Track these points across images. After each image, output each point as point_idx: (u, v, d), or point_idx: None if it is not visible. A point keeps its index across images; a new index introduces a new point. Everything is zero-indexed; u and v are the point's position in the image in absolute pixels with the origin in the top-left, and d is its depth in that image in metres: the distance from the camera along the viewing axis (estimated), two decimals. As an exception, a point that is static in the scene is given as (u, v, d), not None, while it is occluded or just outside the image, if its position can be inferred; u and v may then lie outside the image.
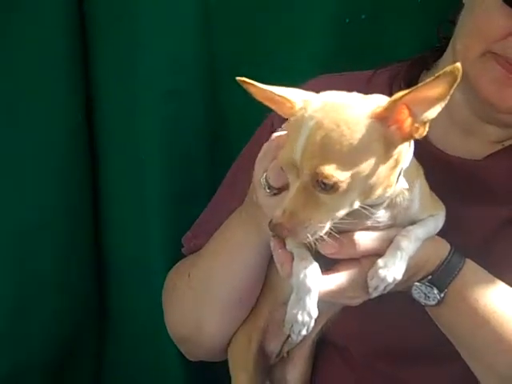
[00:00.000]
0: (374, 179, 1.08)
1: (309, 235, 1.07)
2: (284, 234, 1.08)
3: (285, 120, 1.43)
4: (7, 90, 1.62)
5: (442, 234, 1.25)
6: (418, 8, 1.70)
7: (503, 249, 1.35)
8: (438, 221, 1.23)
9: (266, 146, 1.21)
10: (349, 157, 1.05)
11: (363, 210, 1.11)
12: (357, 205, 1.10)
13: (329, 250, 1.15)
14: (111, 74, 1.70)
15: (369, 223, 1.17)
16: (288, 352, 1.44)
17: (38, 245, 1.70)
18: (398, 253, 1.16)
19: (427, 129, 1.08)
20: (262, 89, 1.13)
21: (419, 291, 1.24)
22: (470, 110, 1.38)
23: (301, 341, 1.40)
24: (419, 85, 1.04)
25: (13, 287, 1.69)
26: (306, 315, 1.14)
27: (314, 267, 1.15)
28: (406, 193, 1.16)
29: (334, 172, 1.04)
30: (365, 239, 1.16)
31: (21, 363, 1.72)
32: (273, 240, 1.23)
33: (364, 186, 1.08)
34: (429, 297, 1.24)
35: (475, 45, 1.31)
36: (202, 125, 1.76)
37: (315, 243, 1.12)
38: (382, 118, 1.07)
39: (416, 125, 1.07)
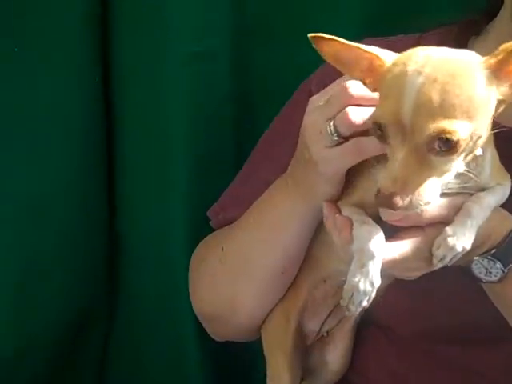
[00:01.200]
0: (482, 138, 0.98)
1: (422, 205, 0.97)
2: (397, 206, 0.95)
3: (326, 86, 1.35)
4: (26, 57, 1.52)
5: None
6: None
7: None
8: (505, 190, 1.14)
9: (322, 97, 1.11)
10: (469, 111, 0.95)
11: (468, 174, 1.01)
12: (462, 167, 1.00)
13: (393, 216, 1.06)
14: (133, 34, 1.59)
15: None
16: (328, 332, 1.35)
17: (47, 220, 1.59)
18: (468, 220, 1.07)
19: None
20: (348, 45, 1.02)
21: (480, 266, 1.15)
22: None
23: (342, 319, 1.33)
24: None
25: (20, 263, 1.58)
26: (369, 284, 1.05)
27: (379, 232, 1.06)
28: (480, 158, 1.06)
29: (458, 128, 0.94)
30: (432, 206, 1.05)
31: (28, 342, 1.61)
32: (326, 205, 1.14)
33: (473, 146, 0.98)
34: (491, 272, 1.15)
35: None
36: (229, 88, 1.65)
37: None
38: (496, 70, 0.98)
39: None
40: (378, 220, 1.10)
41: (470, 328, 1.29)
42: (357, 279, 1.05)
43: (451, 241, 1.06)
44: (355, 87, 1.09)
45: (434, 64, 0.97)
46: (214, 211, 1.48)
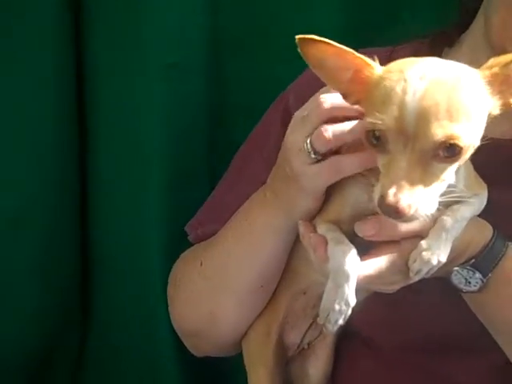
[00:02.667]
0: (475, 147, 0.98)
1: (423, 214, 0.96)
2: (400, 215, 0.94)
3: (303, 98, 1.33)
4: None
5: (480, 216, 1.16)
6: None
7: None
8: (481, 201, 1.14)
9: (304, 110, 1.10)
10: (472, 118, 0.95)
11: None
12: (453, 179, 0.99)
13: (368, 231, 1.07)
14: (107, 46, 1.58)
15: None
16: (309, 344, 1.34)
17: (20, 232, 1.57)
18: (443, 233, 1.07)
19: None
20: (340, 49, 0.99)
21: (460, 276, 1.15)
22: None
23: (322, 331, 1.32)
24: None
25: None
26: (344, 304, 1.06)
27: (352, 251, 1.06)
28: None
29: (463, 134, 0.93)
30: None
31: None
32: (302, 224, 1.14)
33: (467, 155, 0.98)
34: (470, 282, 1.15)
35: None
36: (204, 100, 1.64)
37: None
38: (490, 82, 0.98)
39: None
40: (354, 235, 1.10)
41: (449, 338, 1.29)
42: (332, 299, 1.05)
43: (426, 254, 1.06)
44: (330, 102, 1.07)
45: (436, 70, 0.97)
46: (192, 226, 1.47)
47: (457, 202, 1.09)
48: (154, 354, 1.64)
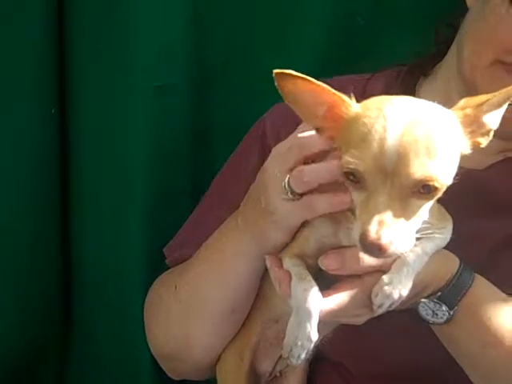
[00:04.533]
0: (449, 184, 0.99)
1: (401, 251, 0.97)
2: (382, 251, 0.95)
3: (279, 126, 1.34)
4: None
5: (446, 246, 1.16)
6: (416, 11, 1.62)
7: (506, 264, 1.28)
8: (445, 234, 1.14)
9: (284, 146, 1.11)
10: (449, 157, 0.97)
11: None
12: (427, 215, 1.00)
13: (331, 265, 1.08)
14: (92, 69, 1.59)
15: None
16: (281, 371, 1.34)
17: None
18: (404, 268, 1.08)
19: (490, 139, 1.03)
20: (316, 85, 1.00)
21: (427, 308, 1.16)
22: None
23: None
24: (496, 93, 1.00)
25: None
26: (306, 339, 1.07)
27: (314, 289, 1.07)
28: None
29: (442, 173, 0.95)
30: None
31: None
32: (269, 258, 1.16)
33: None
34: (437, 314, 1.16)
35: (485, 53, 1.25)
36: (188, 124, 1.65)
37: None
38: (463, 123, 1.00)
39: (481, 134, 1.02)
40: (319, 269, 1.11)
41: (418, 366, 1.29)
42: (295, 336, 1.07)
43: (388, 289, 1.07)
44: (309, 140, 1.08)
45: (414, 109, 0.98)
46: (170, 249, 1.48)
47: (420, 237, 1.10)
48: (134, 372, 1.65)
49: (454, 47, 1.38)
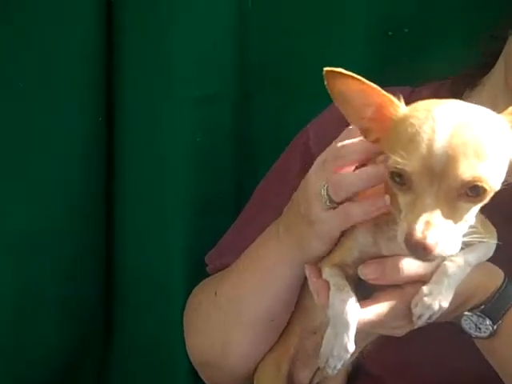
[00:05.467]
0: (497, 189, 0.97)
1: (447, 253, 0.95)
2: (427, 252, 0.93)
3: (323, 135, 1.33)
4: (26, 90, 1.52)
5: (492, 260, 1.13)
6: (462, 21, 1.60)
7: None
8: (489, 247, 1.11)
9: (325, 154, 1.11)
10: (498, 160, 0.95)
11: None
12: (473, 220, 0.98)
13: (371, 275, 1.07)
14: (138, 78, 1.60)
15: None
16: (318, 383, 1.33)
17: (42, 253, 1.58)
18: (445, 279, 1.05)
19: None
20: (367, 85, 0.99)
21: (470, 322, 1.14)
22: None
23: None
24: None
25: (14, 296, 1.58)
26: (343, 350, 1.06)
27: (352, 299, 1.06)
28: None
29: (490, 175, 0.93)
30: (409, 265, 1.06)
31: (21, 377, 1.61)
32: (308, 267, 1.15)
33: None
34: (480, 328, 1.14)
35: None
36: (231, 133, 1.65)
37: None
38: None
39: None
40: (359, 279, 1.10)
41: (460, 380, 1.27)
42: (331, 346, 1.07)
43: (428, 300, 1.05)
44: (349, 149, 1.08)
45: (463, 111, 0.97)
46: (211, 257, 1.48)
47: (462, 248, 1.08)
48: (171, 379, 1.64)
49: (501, 59, 1.35)
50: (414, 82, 1.40)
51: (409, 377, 1.30)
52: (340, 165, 1.08)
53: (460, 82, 1.38)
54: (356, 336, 1.11)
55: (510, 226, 1.22)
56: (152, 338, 1.66)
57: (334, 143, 1.11)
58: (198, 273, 1.50)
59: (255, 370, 1.34)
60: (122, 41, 1.59)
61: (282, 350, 1.31)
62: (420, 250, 0.93)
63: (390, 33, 1.61)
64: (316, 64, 1.54)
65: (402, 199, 0.98)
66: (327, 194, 1.08)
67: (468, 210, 0.96)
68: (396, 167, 0.95)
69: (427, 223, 0.92)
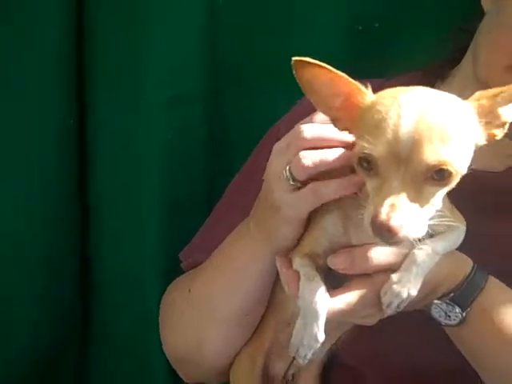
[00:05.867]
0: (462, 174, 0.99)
1: (412, 236, 0.96)
2: (392, 234, 0.94)
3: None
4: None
5: (461, 249, 1.15)
6: (432, 15, 1.63)
7: None
8: (458, 235, 1.13)
9: (287, 137, 1.11)
10: (463, 145, 0.97)
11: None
12: (440, 205, 1.00)
13: (340, 264, 1.08)
14: (109, 79, 1.61)
15: None
16: (293, 375, 1.33)
17: (18, 252, 1.60)
18: (414, 267, 1.07)
19: (505, 131, 1.03)
20: (334, 73, 1.00)
21: (439, 310, 1.15)
22: None
23: (308, 363, 1.32)
24: (509, 86, 0.99)
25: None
26: (313, 340, 1.08)
27: (321, 289, 1.07)
28: None
29: (455, 159, 0.95)
30: (378, 254, 1.07)
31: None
32: (278, 258, 1.16)
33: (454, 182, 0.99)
34: (449, 316, 1.15)
35: (501, 57, 1.25)
36: (203, 133, 1.67)
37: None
38: (478, 113, 1.00)
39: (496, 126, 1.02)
40: (329, 269, 1.10)
41: (433, 370, 1.28)
42: (301, 336, 1.08)
43: (397, 288, 1.07)
44: (310, 130, 1.09)
45: (429, 97, 0.99)
46: (185, 254, 1.48)
47: (431, 236, 1.09)
48: (149, 374, 1.66)
49: (470, 52, 1.38)
50: (387, 74, 1.42)
51: (381, 366, 1.31)
52: (304, 146, 1.08)
53: (431, 74, 1.40)
54: (328, 326, 1.12)
55: (481, 218, 1.24)
56: (129, 335, 1.68)
57: (296, 127, 1.11)
58: (173, 270, 1.51)
59: (231, 364, 1.35)
60: (94, 41, 1.60)
61: (256, 344, 1.31)
62: (385, 232, 0.94)
63: (360, 28, 1.64)
64: (287, 60, 1.59)
65: (370, 184, 1.00)
66: (290, 174, 1.08)
67: (434, 193, 0.97)
68: (363, 152, 0.97)
69: (392, 206, 0.94)
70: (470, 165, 1.00)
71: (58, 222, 1.64)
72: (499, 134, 1.03)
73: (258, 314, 1.30)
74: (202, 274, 1.36)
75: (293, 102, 1.42)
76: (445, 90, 1.38)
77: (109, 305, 1.70)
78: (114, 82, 1.61)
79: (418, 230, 0.96)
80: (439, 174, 0.95)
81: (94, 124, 1.64)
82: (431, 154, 0.94)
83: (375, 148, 0.96)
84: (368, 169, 0.98)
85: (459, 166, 0.96)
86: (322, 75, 1.01)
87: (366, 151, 0.96)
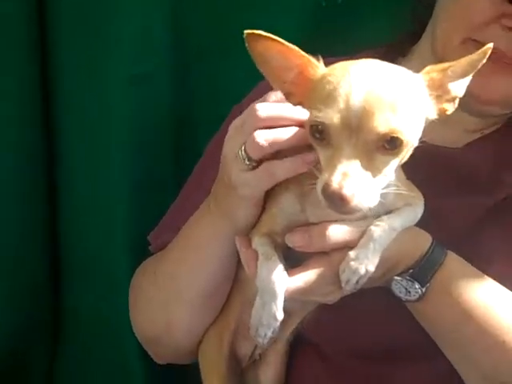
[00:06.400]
0: (412, 148, 1.00)
1: (364, 205, 0.96)
2: (344, 202, 0.94)
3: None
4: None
5: (421, 224, 1.16)
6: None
7: (486, 239, 1.28)
8: (415, 210, 1.14)
9: (242, 117, 1.11)
10: (414, 116, 0.99)
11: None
12: (393, 177, 1.01)
13: (298, 242, 1.09)
14: (73, 57, 1.60)
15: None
16: (261, 354, 1.34)
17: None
18: (371, 244, 1.08)
19: (455, 106, 1.04)
20: (286, 46, 1.01)
21: (400, 286, 1.16)
22: None
23: (274, 341, 1.32)
24: (461, 59, 1.02)
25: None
26: (272, 318, 1.08)
27: (279, 268, 1.08)
28: None
29: (406, 128, 0.96)
30: (336, 231, 1.08)
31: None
32: (238, 238, 1.17)
33: (406, 155, 1.00)
34: (410, 292, 1.16)
35: (456, 31, 1.26)
36: (169, 111, 1.67)
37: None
38: (429, 86, 1.02)
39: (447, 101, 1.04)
40: (287, 247, 1.11)
41: (395, 345, 1.29)
42: (259, 316, 1.09)
43: (354, 264, 1.07)
44: (264, 109, 1.09)
45: (380, 68, 1.00)
46: (153, 236, 1.49)
47: (389, 212, 1.10)
48: (122, 356, 1.68)
49: (429, 27, 1.39)
50: (350, 51, 1.42)
51: (344, 344, 1.32)
52: (258, 126, 1.08)
53: (393, 50, 1.40)
54: (292, 305, 1.13)
55: (442, 194, 1.25)
56: (99, 317, 1.68)
57: (250, 106, 1.11)
58: (142, 253, 1.50)
59: (200, 344, 1.35)
60: (57, 20, 1.59)
61: (223, 323, 1.32)
62: (337, 201, 0.95)
63: (323, 4, 1.63)
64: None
65: (322, 155, 1.00)
66: (245, 153, 1.08)
67: (386, 163, 0.98)
68: (315, 120, 0.98)
69: (344, 174, 0.94)
70: (421, 137, 1.01)
71: (27, 207, 1.64)
72: (450, 108, 1.05)
73: (223, 293, 1.31)
74: (167, 255, 1.36)
75: (259, 78, 1.42)
76: (404, 66, 1.41)
77: (79, 289, 1.71)
78: (77, 62, 1.60)
79: (370, 200, 0.97)
80: (390, 143, 0.96)
81: (60, 104, 1.64)
82: (382, 123, 0.95)
83: (327, 116, 0.96)
84: (320, 139, 0.99)
85: (410, 136, 0.97)
86: (273, 48, 1.02)
87: (318, 119, 0.97)
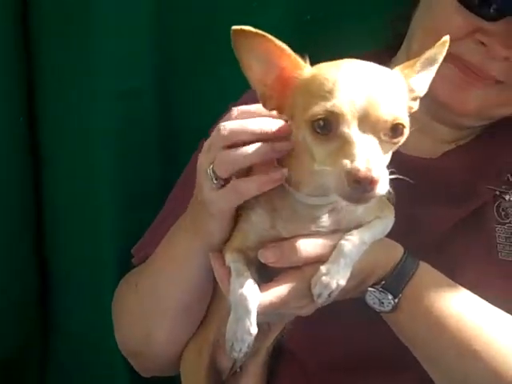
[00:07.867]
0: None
1: (383, 190, 0.97)
2: (371, 187, 0.95)
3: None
4: None
5: (395, 235, 1.18)
6: (371, 5, 1.65)
7: (459, 249, 1.30)
8: (385, 223, 1.15)
9: (212, 136, 1.12)
10: (405, 105, 1.04)
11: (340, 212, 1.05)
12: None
13: (270, 258, 1.10)
14: (59, 74, 1.62)
15: (312, 228, 1.10)
16: (241, 367, 1.36)
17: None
18: (342, 258, 1.09)
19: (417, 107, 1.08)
20: (274, 43, 1.02)
21: (373, 297, 1.18)
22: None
23: (254, 353, 1.33)
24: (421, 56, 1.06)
25: None
26: (246, 333, 1.09)
27: (250, 284, 1.09)
28: None
29: (403, 115, 1.01)
30: (307, 246, 1.10)
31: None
32: (212, 255, 1.18)
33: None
34: (383, 303, 1.18)
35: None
36: (155, 126, 1.69)
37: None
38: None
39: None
40: (260, 262, 1.12)
41: (371, 355, 1.30)
42: (233, 331, 1.10)
43: (325, 279, 1.09)
44: (227, 127, 1.09)
45: (368, 65, 1.03)
46: (137, 249, 1.51)
47: (359, 225, 1.12)
48: (110, 366, 1.70)
49: (406, 40, 1.41)
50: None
51: (321, 353, 1.33)
52: (223, 144, 1.09)
53: (372, 61, 1.42)
54: (269, 318, 1.14)
55: (418, 204, 1.27)
56: (87, 330, 1.70)
57: (217, 125, 1.12)
58: (127, 266, 1.52)
59: (180, 356, 1.37)
60: (43, 36, 1.62)
61: (203, 336, 1.34)
62: (366, 185, 0.95)
63: (308, 17, 1.67)
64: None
65: (325, 149, 1.00)
66: (213, 172, 1.10)
67: (387, 152, 1.01)
68: (325, 110, 0.98)
69: (367, 158, 0.95)
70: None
71: (13, 219, 1.66)
72: (414, 106, 1.08)
73: (202, 307, 1.32)
74: (147, 268, 1.38)
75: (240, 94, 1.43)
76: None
77: (67, 302, 1.73)
78: (63, 77, 1.62)
79: (386, 185, 0.98)
80: (393, 131, 0.99)
81: (45, 121, 1.65)
82: (387, 111, 0.98)
83: (336, 106, 0.97)
84: (323, 133, 0.99)
85: (407, 122, 1.01)
86: (260, 46, 1.02)
87: (329, 109, 0.97)
